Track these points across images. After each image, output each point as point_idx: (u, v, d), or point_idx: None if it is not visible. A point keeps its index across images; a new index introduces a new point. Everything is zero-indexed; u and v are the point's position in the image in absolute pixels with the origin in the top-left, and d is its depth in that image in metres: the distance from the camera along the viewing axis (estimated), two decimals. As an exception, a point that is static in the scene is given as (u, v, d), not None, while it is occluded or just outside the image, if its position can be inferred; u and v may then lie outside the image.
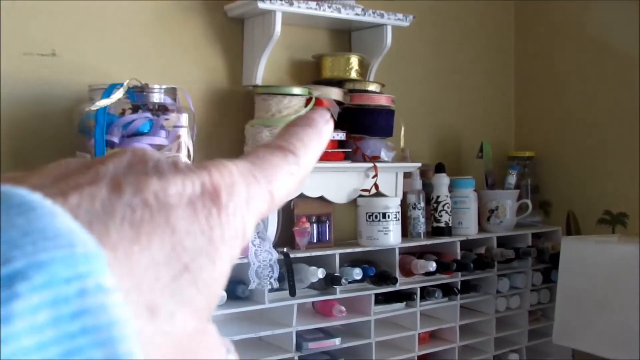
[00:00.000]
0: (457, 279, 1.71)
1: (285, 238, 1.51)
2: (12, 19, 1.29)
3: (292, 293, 1.39)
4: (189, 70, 1.51)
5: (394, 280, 1.53)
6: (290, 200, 1.53)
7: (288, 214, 1.54)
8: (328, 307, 1.52)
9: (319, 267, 1.44)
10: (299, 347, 1.45)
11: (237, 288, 1.41)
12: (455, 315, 1.72)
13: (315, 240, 1.57)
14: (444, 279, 1.69)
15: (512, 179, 1.92)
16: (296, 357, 1.44)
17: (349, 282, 1.51)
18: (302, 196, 1.54)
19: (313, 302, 1.57)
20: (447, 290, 1.69)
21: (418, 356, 1.66)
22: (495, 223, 1.87)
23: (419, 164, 1.71)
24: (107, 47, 1.40)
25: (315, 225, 1.57)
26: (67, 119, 1.32)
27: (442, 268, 1.64)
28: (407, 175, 1.72)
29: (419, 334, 1.65)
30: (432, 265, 1.58)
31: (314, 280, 1.43)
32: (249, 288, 1.38)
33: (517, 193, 1.92)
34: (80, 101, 1.30)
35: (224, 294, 1.36)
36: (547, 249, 1.91)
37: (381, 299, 1.59)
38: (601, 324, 1.61)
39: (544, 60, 2.06)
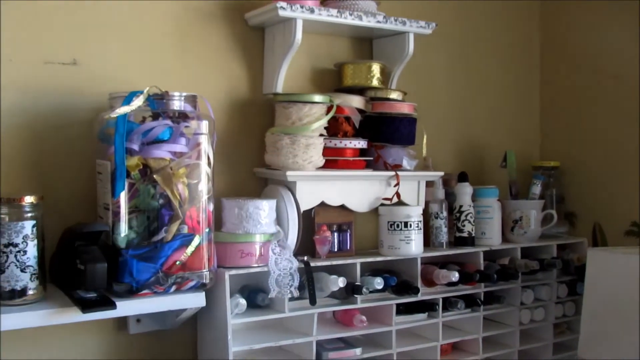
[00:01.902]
0: (480, 289, 1.68)
1: (306, 247, 1.50)
2: (33, 28, 1.30)
3: (313, 302, 1.37)
4: (209, 78, 1.51)
5: (415, 290, 1.51)
6: (311, 209, 1.52)
7: (309, 223, 1.52)
8: (349, 317, 1.50)
9: (339, 276, 1.42)
10: (319, 357, 1.44)
11: (257, 297, 1.40)
12: (478, 327, 1.69)
13: (336, 249, 1.56)
14: (467, 289, 1.67)
15: (536, 188, 1.89)
16: (316, 367, 1.43)
17: (370, 292, 1.49)
18: (323, 204, 1.53)
19: (334, 312, 1.55)
20: (470, 301, 1.66)
21: (441, 367, 1.63)
22: (519, 233, 1.84)
23: (442, 173, 1.69)
24: (128, 55, 1.41)
25: (336, 234, 1.56)
26: (87, 127, 1.33)
27: (465, 278, 1.61)
28: (430, 184, 1.70)
29: (441, 345, 1.62)
30: (455, 276, 1.56)
31: (335, 289, 1.41)
32: (269, 297, 1.37)
33: (542, 203, 1.88)
34: (100, 110, 1.30)
35: (244, 302, 1.35)
36: (573, 261, 1.87)
37: (403, 309, 1.57)
38: (628, 337, 1.57)
39: (570, 69, 2.03)
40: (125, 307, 1.18)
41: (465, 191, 1.72)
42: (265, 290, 1.39)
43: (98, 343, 1.38)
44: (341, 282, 1.40)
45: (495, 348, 1.75)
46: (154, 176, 1.22)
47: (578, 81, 2.01)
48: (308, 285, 1.37)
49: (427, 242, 1.67)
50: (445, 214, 1.69)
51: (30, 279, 1.14)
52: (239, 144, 1.55)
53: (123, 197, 1.20)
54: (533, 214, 1.84)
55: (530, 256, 1.80)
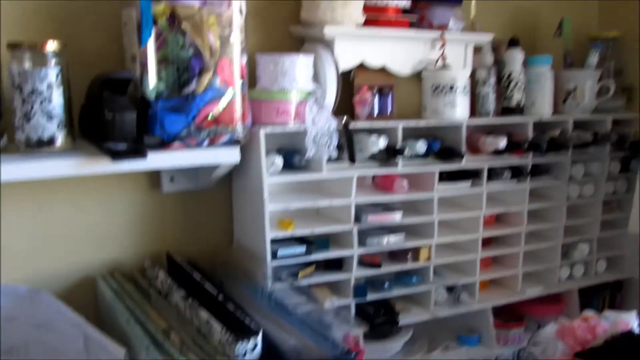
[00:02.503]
0: (528, 160, 1.61)
1: (344, 110, 1.43)
2: None
3: (352, 159, 1.32)
4: None
5: (460, 156, 1.45)
6: (350, 70, 1.45)
7: (347, 86, 1.46)
8: (389, 182, 1.45)
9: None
10: (357, 220, 1.40)
11: (293, 158, 1.36)
12: (523, 199, 1.63)
13: (375, 114, 1.50)
14: (514, 160, 1.59)
15: (593, 59, 1.77)
16: (355, 230, 1.40)
17: (411, 157, 1.44)
18: (362, 66, 1.45)
19: (373, 177, 1.51)
20: (516, 172, 1.60)
21: (482, 239, 1.59)
22: (572, 105, 1.74)
23: (491, 36, 1.59)
24: None
25: (376, 97, 1.49)
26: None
27: (513, 147, 1.54)
28: (477, 50, 1.61)
29: (484, 216, 1.57)
30: (503, 142, 1.49)
31: (375, 150, 1.36)
32: (306, 157, 1.33)
33: (598, 75, 1.77)
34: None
35: (280, 160, 1.31)
36: (628, 136, 1.77)
37: (445, 177, 1.51)
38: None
39: None
40: (156, 159, 1.15)
41: (515, 57, 1.62)
42: (301, 152, 1.35)
43: (131, 202, 1.36)
44: (382, 142, 1.35)
45: (540, 222, 1.69)
46: (183, 25, 1.16)
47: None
48: (347, 143, 1.32)
49: (473, 112, 1.59)
50: (493, 81, 1.60)
51: (58, 128, 1.11)
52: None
53: (150, 46, 1.15)
54: (588, 85, 1.73)
55: (583, 130, 1.71)
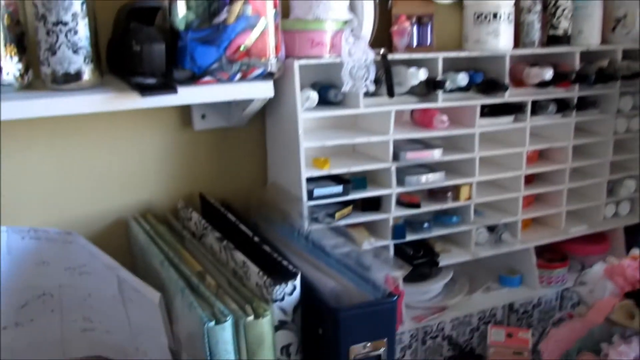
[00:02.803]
0: (574, 93, 1.52)
1: (381, 42, 1.35)
2: None
3: (391, 94, 1.25)
4: None
5: (504, 88, 1.36)
6: (388, -1, 1.37)
7: (384, 15, 1.37)
8: (428, 118, 1.38)
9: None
10: (396, 157, 1.34)
11: (328, 93, 1.29)
12: (568, 134, 1.55)
13: (414, 45, 1.41)
14: (559, 92, 1.51)
15: (644, -17, 1.65)
16: (393, 168, 1.33)
17: (451, 91, 1.36)
18: (401, -7, 1.36)
19: (411, 113, 1.44)
20: (561, 106, 1.51)
21: (525, 176, 1.51)
22: (621, 34, 1.63)
23: (537, -41, 1.48)
24: None
25: (415, 27, 1.40)
26: None
27: (559, 78, 1.45)
28: (521, -25, 1.50)
29: (527, 152, 1.50)
30: (549, 74, 1.40)
31: (415, 83, 1.28)
32: (342, 91, 1.26)
33: (650, 0, 1.66)
34: None
35: (315, 95, 1.24)
36: (681, 66, 1.67)
37: (487, 112, 1.43)
38: None
39: None
40: (187, 94, 1.09)
41: (563, -18, 1.52)
42: (337, 86, 1.28)
43: (162, 140, 1.31)
44: (422, 74, 1.27)
45: (585, 158, 1.61)
46: (212, -52, 1.09)
47: None
48: (386, 76, 1.24)
49: (517, 42, 1.50)
50: (539, 8, 1.50)
51: (84, 61, 1.05)
52: None
53: (179, -28, 1.08)
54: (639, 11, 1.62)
55: (632, 60, 1.60)
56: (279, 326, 1.00)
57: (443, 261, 1.44)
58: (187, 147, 1.33)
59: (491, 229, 1.52)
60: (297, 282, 0.99)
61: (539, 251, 1.58)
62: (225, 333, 0.93)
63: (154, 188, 1.32)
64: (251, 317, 0.95)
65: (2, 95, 1.00)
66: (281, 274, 1.01)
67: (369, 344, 0.99)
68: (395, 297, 0.99)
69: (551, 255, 1.62)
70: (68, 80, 1.04)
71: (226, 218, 1.22)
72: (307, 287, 1.01)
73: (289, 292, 0.98)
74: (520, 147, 1.48)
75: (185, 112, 1.31)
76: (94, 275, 1.19)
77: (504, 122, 1.46)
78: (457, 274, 1.52)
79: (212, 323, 0.92)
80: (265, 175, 1.40)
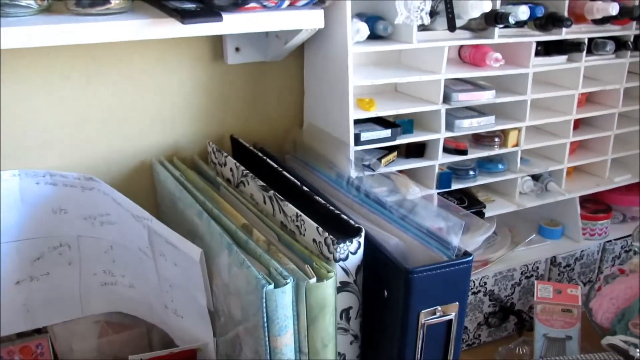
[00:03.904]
0: (632, 31, 1.39)
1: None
2: None
3: (452, 27, 1.12)
4: None
5: (567, 23, 1.23)
6: None
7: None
8: (480, 55, 1.25)
9: (474, 4, 1.15)
10: (447, 99, 1.21)
11: (376, 24, 1.15)
12: (621, 76, 1.43)
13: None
14: (616, 29, 1.38)
15: None
16: (443, 110, 1.21)
17: (506, 26, 1.23)
18: None
19: (460, 51, 1.31)
20: (617, 45, 1.39)
21: (575, 120, 1.40)
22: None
23: None
24: None
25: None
26: None
27: (622, 14, 1.32)
28: None
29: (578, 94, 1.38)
30: (615, 8, 1.27)
31: (476, 15, 1.14)
32: (395, 22, 1.12)
33: None
34: None
35: (365, 26, 1.10)
36: None
37: (541, 51, 1.31)
38: None
39: None
40: (232, 23, 0.95)
41: None
42: (387, 18, 1.14)
43: (191, 76, 1.17)
44: (486, 5, 1.13)
45: (636, 103, 1.50)
46: None
47: None
48: (447, 7, 1.10)
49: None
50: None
51: (113, -20, 0.90)
52: None
53: None
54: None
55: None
56: (340, 288, 0.89)
57: (487, 212, 1.34)
58: (217, 83, 1.19)
59: (535, 177, 1.41)
60: (362, 238, 0.88)
61: (579, 202, 1.49)
62: (285, 297, 0.82)
63: (181, 129, 1.19)
64: (314, 280, 0.83)
65: (19, 20, 0.85)
66: (341, 230, 0.89)
67: (439, 308, 0.89)
68: (471, 257, 0.89)
69: (592, 206, 1.52)
70: (94, 4, 0.90)
71: (265, 163, 1.09)
72: (370, 244, 0.90)
73: (353, 251, 0.87)
74: (572, 90, 1.36)
75: (217, 44, 1.16)
76: (118, 226, 1.06)
77: (557, 62, 1.34)
78: (498, 225, 1.42)
79: (271, 286, 0.81)
80: (301, 116, 1.27)
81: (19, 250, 1.06)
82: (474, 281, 1.32)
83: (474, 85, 1.29)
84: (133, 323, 1.18)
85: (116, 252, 1.11)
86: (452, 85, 1.26)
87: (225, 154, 1.12)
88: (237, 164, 1.08)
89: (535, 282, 1.32)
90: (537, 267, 1.40)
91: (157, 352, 1.03)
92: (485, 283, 1.33)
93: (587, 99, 1.50)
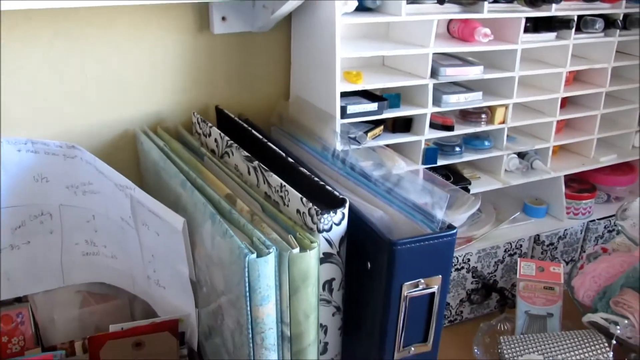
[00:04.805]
0: (621, 9, 1.39)
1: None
2: None
3: (441, 0, 1.11)
4: None
5: (556, -1, 1.23)
6: None
7: None
8: (469, 30, 1.24)
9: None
10: (434, 73, 1.21)
11: (365, -2, 1.14)
12: (609, 55, 1.43)
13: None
14: (605, 7, 1.38)
15: None
16: (430, 85, 1.20)
17: (495, 1, 1.22)
18: None
19: (448, 26, 1.30)
20: (606, 23, 1.38)
21: (562, 98, 1.40)
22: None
23: None
24: None
25: None
26: None
27: (611, -9, 1.32)
28: None
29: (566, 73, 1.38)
30: (604, -16, 1.27)
31: (465, -12, 1.14)
32: (383, -6, 1.11)
33: None
34: None
35: (353, 0, 1.09)
36: None
37: (529, 27, 1.30)
38: None
39: None
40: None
41: None
42: (374, -10, 1.13)
43: (175, 44, 1.15)
44: (476, -23, 1.12)
45: (623, 82, 1.50)
46: None
47: None
48: (436, -21, 1.09)
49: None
50: None
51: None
52: None
53: None
54: None
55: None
56: (323, 259, 0.88)
57: (472, 189, 1.34)
58: (203, 53, 1.18)
59: (521, 155, 1.41)
60: (346, 210, 0.87)
61: (564, 181, 1.49)
62: (268, 267, 0.81)
63: (165, 99, 1.17)
64: (297, 250, 0.83)
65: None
66: (325, 201, 0.89)
67: (422, 281, 0.89)
68: (455, 230, 0.89)
69: (577, 185, 1.53)
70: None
71: (250, 135, 1.08)
72: (355, 216, 0.90)
73: (337, 222, 0.87)
74: (560, 68, 1.36)
75: (203, 13, 1.15)
76: (101, 195, 1.05)
77: (546, 39, 1.33)
78: (482, 202, 1.42)
79: (254, 255, 0.80)
80: (288, 88, 1.26)
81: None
82: (457, 257, 1.32)
83: (462, 60, 1.28)
84: (115, 294, 1.17)
85: (98, 222, 1.10)
86: (440, 60, 1.25)
87: (210, 125, 1.10)
88: (222, 134, 1.07)
89: (519, 259, 1.33)
90: (521, 245, 1.40)
91: (139, 321, 1.02)
92: (469, 260, 1.34)
93: (575, 78, 1.50)
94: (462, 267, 1.33)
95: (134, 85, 1.14)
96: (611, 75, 1.45)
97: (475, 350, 1.21)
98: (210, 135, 1.11)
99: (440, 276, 0.90)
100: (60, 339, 1.12)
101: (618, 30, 1.41)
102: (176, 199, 1.00)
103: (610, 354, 1.12)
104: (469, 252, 1.33)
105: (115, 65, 1.12)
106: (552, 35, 1.34)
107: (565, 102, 1.49)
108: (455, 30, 1.28)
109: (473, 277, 1.36)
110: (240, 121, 1.13)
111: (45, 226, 1.09)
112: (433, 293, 0.90)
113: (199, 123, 1.14)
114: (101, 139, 1.14)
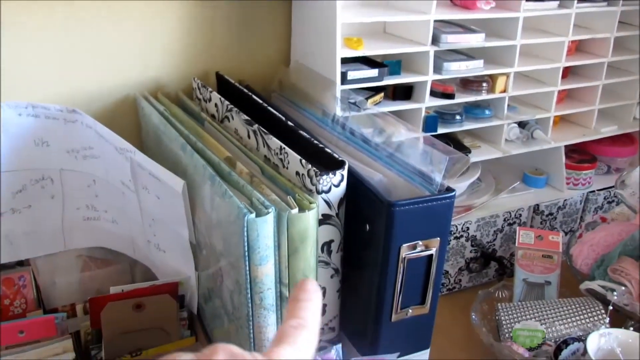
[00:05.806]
0: (624, -22, 1.38)
1: None
2: None
3: (443, -36, 1.10)
4: None
5: (559, -34, 1.22)
6: None
7: None
8: (470, -2, 1.24)
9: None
10: (435, 40, 1.20)
11: (366, -38, 1.13)
12: (612, 25, 1.42)
13: None
14: (608, -23, 1.37)
15: None
16: (431, 52, 1.20)
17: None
18: None
19: (450, -8, 1.29)
20: (609, -7, 1.38)
21: (563, 68, 1.40)
22: None
23: None
24: None
25: None
26: None
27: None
28: None
29: (568, 42, 1.37)
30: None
31: (467, -47, 1.13)
32: (384, -41, 1.10)
33: None
34: None
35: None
36: None
37: (531, -5, 1.30)
38: None
39: None
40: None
41: None
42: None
43: (177, 8, 1.15)
44: (477, -57, 1.12)
45: (625, 53, 1.50)
46: None
47: None
48: (437, -57, 1.09)
49: None
50: None
51: None
52: None
53: None
54: None
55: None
56: (322, 221, 0.89)
57: (472, 157, 1.34)
58: (204, 18, 1.17)
59: (521, 125, 1.41)
60: (345, 171, 0.87)
61: (565, 151, 1.49)
62: (267, 226, 0.82)
63: (166, 65, 1.17)
64: (295, 210, 0.83)
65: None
66: (324, 163, 0.89)
67: (420, 243, 0.89)
68: (454, 192, 0.89)
69: (578, 156, 1.53)
70: None
71: (250, 100, 1.08)
72: (353, 178, 0.90)
73: (336, 183, 0.87)
74: (562, 37, 1.35)
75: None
76: (101, 160, 1.06)
77: (548, 7, 1.32)
78: (482, 172, 1.42)
79: (253, 215, 0.81)
80: (288, 54, 1.26)
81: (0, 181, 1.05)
82: (456, 226, 1.32)
83: (463, 28, 1.27)
84: (116, 258, 1.18)
85: (99, 186, 1.10)
86: (442, 28, 1.24)
87: (210, 90, 1.10)
88: (222, 98, 1.07)
89: (517, 228, 1.33)
90: (520, 215, 1.41)
91: (139, 284, 1.03)
92: (468, 228, 1.34)
93: (577, 48, 1.49)
94: (462, 236, 1.34)
95: (134, 51, 1.14)
96: (613, 46, 1.45)
97: (473, 317, 1.22)
98: (210, 100, 1.11)
99: (438, 238, 0.90)
100: (61, 302, 1.13)
101: (621, 0, 1.40)
102: (176, 163, 1.00)
103: (607, 320, 1.13)
104: (468, 221, 1.34)
105: (115, 32, 1.11)
106: (555, 3, 1.33)
107: (567, 72, 1.49)
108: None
109: (472, 245, 1.37)
110: (240, 87, 1.13)
111: (46, 190, 1.10)
112: (431, 255, 0.90)
113: (199, 88, 1.14)
114: (102, 104, 1.15)
